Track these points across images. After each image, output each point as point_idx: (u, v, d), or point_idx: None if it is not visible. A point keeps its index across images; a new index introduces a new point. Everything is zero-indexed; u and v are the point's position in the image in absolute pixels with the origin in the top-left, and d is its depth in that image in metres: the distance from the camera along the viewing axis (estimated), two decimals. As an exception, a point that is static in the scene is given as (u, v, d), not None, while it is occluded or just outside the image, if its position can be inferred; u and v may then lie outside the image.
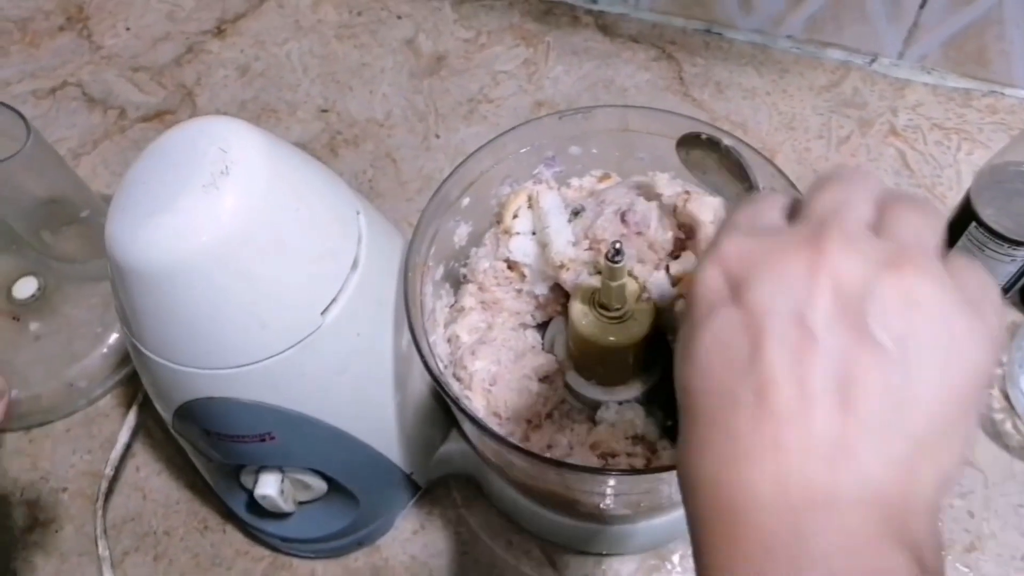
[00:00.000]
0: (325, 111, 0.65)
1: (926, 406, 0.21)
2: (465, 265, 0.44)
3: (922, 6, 0.59)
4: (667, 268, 0.41)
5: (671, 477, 0.39)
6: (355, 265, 0.36)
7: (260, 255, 0.32)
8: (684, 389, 0.24)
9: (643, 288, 0.39)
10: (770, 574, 0.20)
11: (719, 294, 0.23)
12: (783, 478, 0.21)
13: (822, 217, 0.23)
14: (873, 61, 0.64)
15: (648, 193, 0.42)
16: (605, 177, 0.45)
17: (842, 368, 0.21)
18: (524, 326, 0.44)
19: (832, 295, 0.21)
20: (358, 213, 0.37)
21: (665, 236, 0.41)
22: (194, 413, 0.36)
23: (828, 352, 0.21)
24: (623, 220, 0.41)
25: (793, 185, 0.39)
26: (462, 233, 0.44)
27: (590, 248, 0.41)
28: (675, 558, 0.46)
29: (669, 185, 0.42)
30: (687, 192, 0.41)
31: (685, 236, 0.41)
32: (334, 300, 0.35)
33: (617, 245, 0.34)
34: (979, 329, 0.21)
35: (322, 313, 0.34)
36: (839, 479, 0.20)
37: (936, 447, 0.21)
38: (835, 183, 0.25)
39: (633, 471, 0.38)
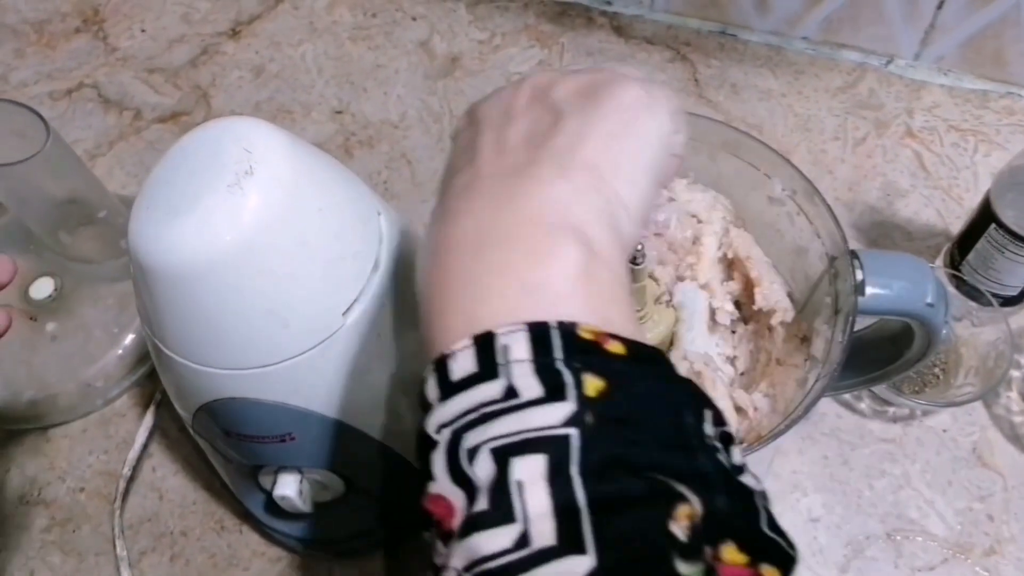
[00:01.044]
0: (340, 112, 0.65)
1: (594, 138, 0.25)
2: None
3: (939, 7, 0.58)
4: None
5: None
6: (376, 266, 0.36)
7: (283, 256, 0.32)
8: (439, 188, 0.28)
9: (665, 291, 0.39)
10: (458, 261, 0.24)
11: (463, 126, 0.29)
12: (474, 195, 0.25)
13: None
14: (889, 62, 0.64)
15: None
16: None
17: (532, 127, 0.26)
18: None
19: (529, 90, 0.28)
20: (379, 214, 0.37)
21: (684, 235, 0.41)
22: (215, 413, 0.36)
23: (523, 122, 0.27)
24: None
25: (812, 184, 0.39)
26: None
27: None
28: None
29: (687, 191, 0.42)
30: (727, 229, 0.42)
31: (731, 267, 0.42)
32: (356, 301, 0.35)
33: (639, 246, 0.34)
34: (638, 91, 0.27)
35: (343, 314, 0.34)
36: (519, 189, 0.24)
37: (607, 174, 0.25)
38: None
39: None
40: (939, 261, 0.53)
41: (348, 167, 0.37)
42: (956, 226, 0.55)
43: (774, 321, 0.40)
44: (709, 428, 0.22)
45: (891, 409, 0.49)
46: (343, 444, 0.38)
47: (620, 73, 0.28)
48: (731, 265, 0.42)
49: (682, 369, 0.38)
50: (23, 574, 0.48)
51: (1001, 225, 0.45)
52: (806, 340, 0.40)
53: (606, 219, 0.24)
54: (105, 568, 0.48)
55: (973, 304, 0.49)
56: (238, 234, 0.30)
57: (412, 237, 0.41)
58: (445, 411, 0.21)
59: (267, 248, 0.31)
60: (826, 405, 0.50)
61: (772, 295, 0.40)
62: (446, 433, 0.21)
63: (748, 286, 0.41)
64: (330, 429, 0.37)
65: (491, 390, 0.21)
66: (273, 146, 0.32)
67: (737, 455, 0.22)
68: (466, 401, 0.21)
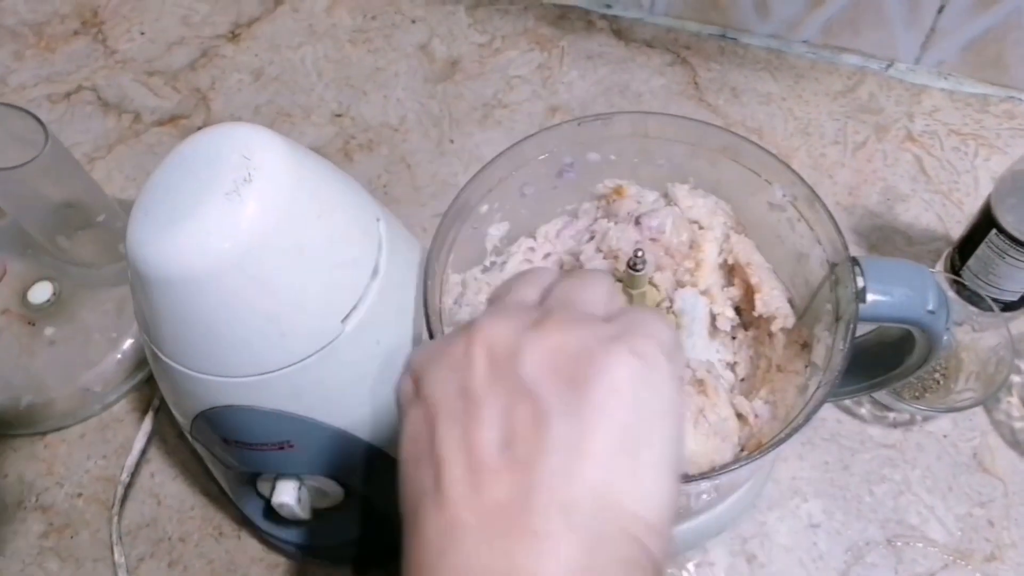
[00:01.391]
0: (339, 116, 0.65)
1: (596, 447, 0.20)
2: (488, 270, 0.44)
3: (940, 11, 0.58)
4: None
5: (689, 488, 0.38)
6: (375, 272, 0.35)
7: (282, 263, 0.32)
8: (400, 496, 0.23)
9: (665, 297, 0.39)
10: None
11: (408, 395, 0.24)
12: (464, 569, 0.20)
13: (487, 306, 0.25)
14: (889, 66, 0.63)
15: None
16: (617, 192, 0.44)
17: (507, 426, 0.21)
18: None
19: (487, 360, 0.22)
20: (378, 220, 0.37)
21: (680, 239, 0.41)
22: (213, 421, 0.36)
23: (490, 415, 0.21)
24: (637, 223, 0.41)
25: (812, 191, 0.39)
26: (481, 241, 0.44)
27: (606, 258, 0.41)
28: (691, 566, 0.46)
29: (689, 197, 0.42)
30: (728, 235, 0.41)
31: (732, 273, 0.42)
32: (355, 308, 0.35)
33: (639, 252, 0.34)
34: (627, 360, 0.21)
35: (342, 321, 0.34)
36: (516, 558, 0.19)
37: (622, 497, 0.20)
38: (519, 278, 0.26)
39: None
40: (939, 266, 0.53)
41: (347, 171, 0.37)
42: (956, 230, 0.55)
43: (774, 327, 0.40)
44: None
45: (891, 414, 0.49)
46: (342, 451, 0.38)
47: (592, 318, 0.23)
48: (731, 271, 0.42)
49: (684, 377, 0.38)
50: (21, 580, 0.48)
51: (1002, 230, 0.45)
52: (807, 346, 0.40)
53: (638, 568, 0.20)
54: (103, 574, 0.47)
55: (974, 309, 0.49)
56: (236, 241, 0.30)
57: (411, 242, 0.41)
58: None
59: (265, 255, 0.31)
60: (826, 410, 0.50)
61: (772, 301, 0.40)
62: None
63: (748, 292, 0.41)
64: (329, 437, 0.37)
65: None
66: (272, 153, 0.32)
67: None
68: None
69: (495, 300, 0.26)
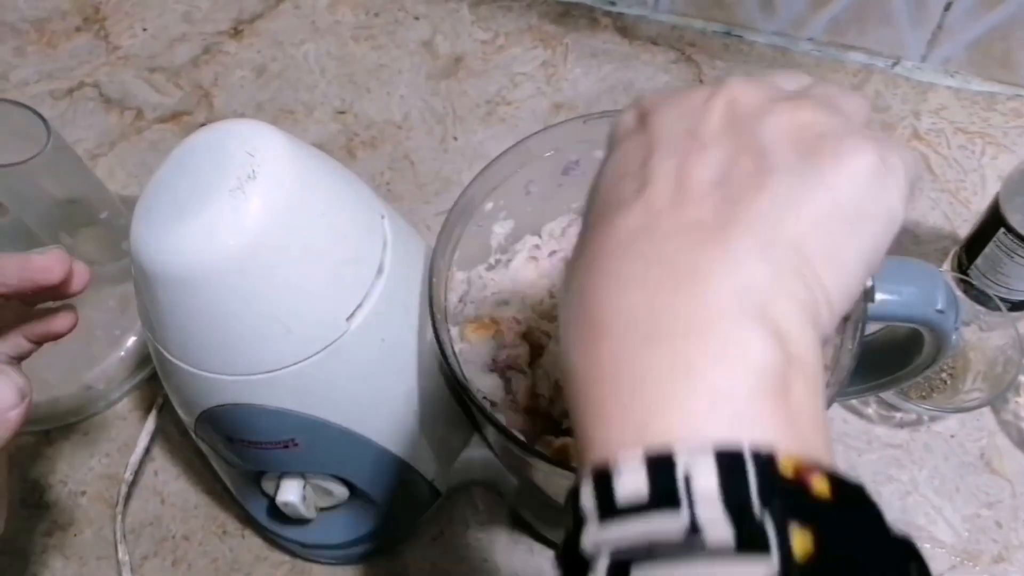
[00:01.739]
0: (342, 113, 0.65)
1: (808, 214, 0.20)
2: (493, 267, 0.44)
3: (947, 8, 0.58)
4: None
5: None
6: (380, 270, 0.35)
7: (286, 261, 0.31)
8: (585, 211, 0.24)
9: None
10: (626, 349, 0.19)
11: (628, 127, 0.24)
12: (648, 260, 0.20)
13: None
14: (895, 64, 0.63)
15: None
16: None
17: (726, 170, 0.21)
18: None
19: (726, 113, 0.22)
20: (383, 217, 0.37)
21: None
22: (217, 419, 0.36)
23: (714, 156, 0.21)
24: None
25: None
26: (486, 239, 0.44)
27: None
28: (697, 566, 0.45)
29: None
30: None
31: None
32: (359, 306, 0.34)
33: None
34: (873, 159, 0.21)
35: (347, 319, 0.34)
36: (708, 261, 0.19)
37: (816, 261, 0.20)
38: (775, 74, 0.25)
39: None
40: (947, 265, 0.52)
41: (351, 168, 0.37)
42: (964, 229, 0.55)
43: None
44: None
45: (898, 414, 0.49)
46: (347, 450, 0.38)
47: (849, 118, 0.22)
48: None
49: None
50: (24, 578, 0.47)
51: (1010, 229, 0.45)
52: (814, 345, 0.39)
53: (809, 317, 0.20)
54: (107, 573, 0.47)
55: (981, 309, 0.49)
56: (240, 239, 0.30)
57: (416, 240, 0.40)
58: (607, 534, 0.17)
59: (270, 253, 0.31)
60: (832, 410, 0.49)
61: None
62: (604, 560, 0.17)
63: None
64: (334, 435, 0.37)
65: (670, 525, 0.17)
66: (276, 150, 0.31)
67: None
68: (635, 530, 0.17)
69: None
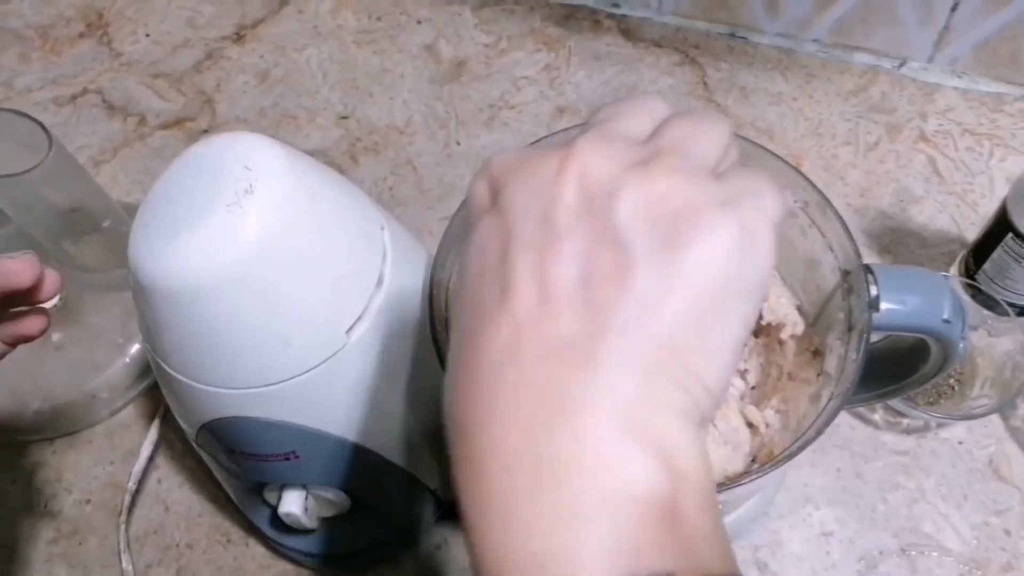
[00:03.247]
0: (345, 118, 0.64)
1: (673, 309, 0.19)
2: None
3: (954, 8, 0.57)
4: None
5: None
6: (380, 282, 0.35)
7: (285, 274, 0.31)
8: (452, 308, 0.23)
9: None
10: (511, 493, 0.19)
11: (483, 204, 0.23)
12: (519, 392, 0.19)
13: (588, 127, 0.23)
14: (902, 65, 0.63)
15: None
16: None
17: (586, 267, 0.20)
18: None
19: (578, 191, 0.21)
20: (383, 228, 0.36)
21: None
22: (218, 432, 0.36)
23: (570, 250, 0.20)
24: None
25: (824, 197, 0.39)
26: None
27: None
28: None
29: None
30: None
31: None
32: (359, 318, 0.34)
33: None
34: (732, 232, 0.20)
35: (347, 332, 0.34)
36: (581, 385, 0.19)
37: (687, 354, 0.20)
38: (630, 103, 0.24)
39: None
40: (953, 269, 0.52)
41: (353, 173, 0.37)
42: (971, 232, 0.54)
43: (784, 335, 0.39)
44: None
45: (905, 421, 0.48)
46: (348, 462, 0.38)
47: (706, 167, 0.22)
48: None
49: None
50: (29, 587, 0.48)
51: (1018, 234, 0.45)
52: (818, 354, 0.39)
53: (690, 419, 0.20)
54: (110, 581, 0.47)
55: (988, 314, 0.48)
56: (238, 253, 0.30)
57: (417, 250, 0.40)
58: None
59: (268, 267, 0.31)
60: (839, 416, 0.48)
61: (780, 309, 0.39)
62: None
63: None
64: (335, 447, 0.37)
65: None
66: (273, 163, 0.31)
67: None
68: None
69: (600, 122, 0.23)
